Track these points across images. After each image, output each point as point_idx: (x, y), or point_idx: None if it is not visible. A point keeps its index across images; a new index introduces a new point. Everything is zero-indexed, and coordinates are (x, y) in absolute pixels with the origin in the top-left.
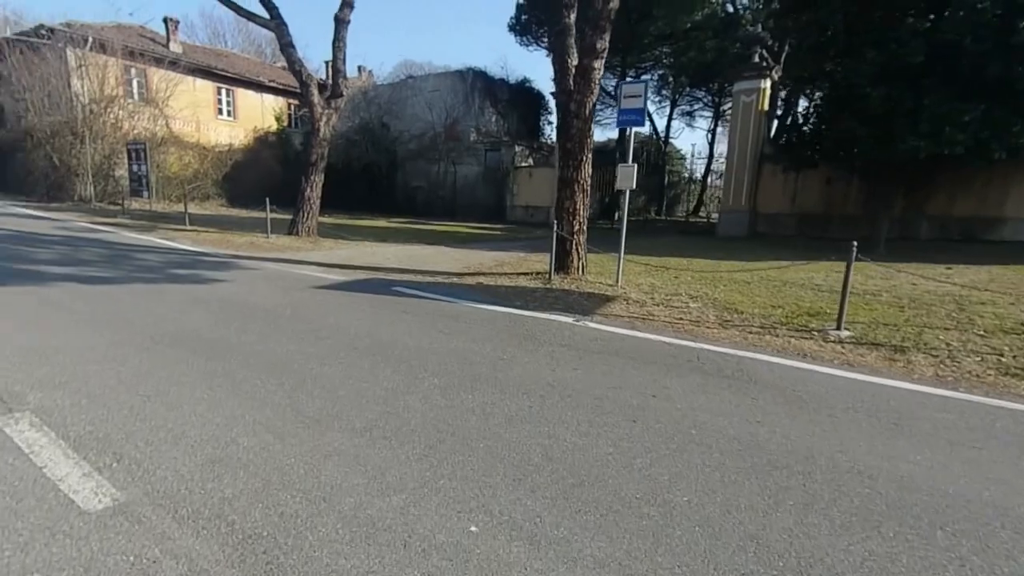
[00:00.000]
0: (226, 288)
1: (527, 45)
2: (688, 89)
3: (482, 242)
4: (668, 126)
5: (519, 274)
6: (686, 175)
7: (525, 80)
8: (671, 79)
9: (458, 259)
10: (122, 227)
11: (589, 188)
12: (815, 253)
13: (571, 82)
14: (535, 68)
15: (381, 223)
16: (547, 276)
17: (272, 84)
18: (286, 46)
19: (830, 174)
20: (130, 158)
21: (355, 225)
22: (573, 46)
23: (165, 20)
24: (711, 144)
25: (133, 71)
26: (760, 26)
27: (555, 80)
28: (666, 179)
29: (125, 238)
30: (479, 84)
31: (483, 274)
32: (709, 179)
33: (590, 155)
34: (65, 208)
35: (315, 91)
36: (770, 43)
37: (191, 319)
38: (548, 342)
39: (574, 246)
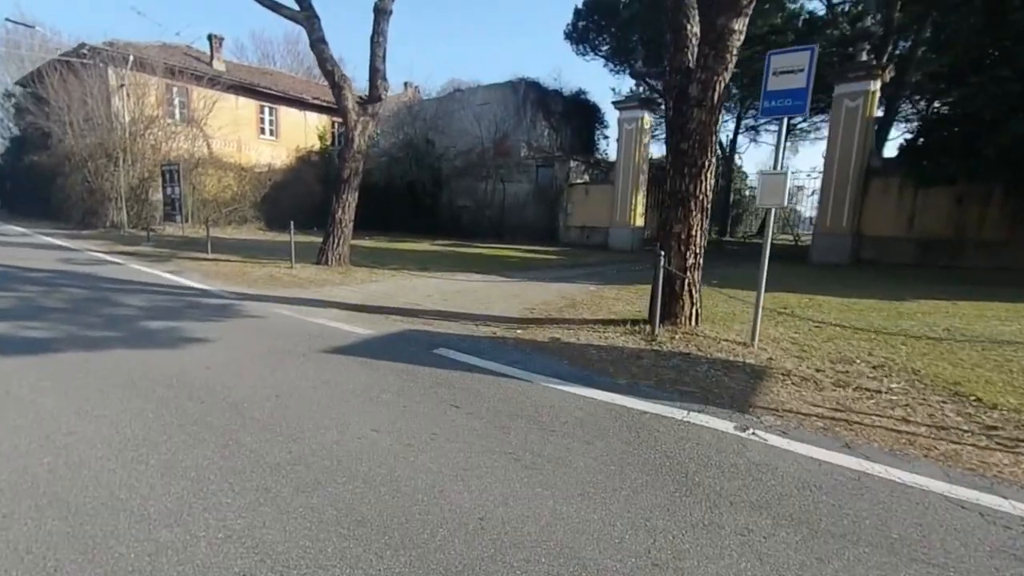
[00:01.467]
0: (200, 354)
1: (583, 54)
2: (752, 101)
3: (538, 269)
4: (734, 141)
5: (603, 322)
6: (748, 193)
7: (580, 92)
8: (734, 90)
9: (516, 295)
10: (137, 257)
11: (710, 206)
12: (968, 287)
13: (691, 56)
14: (591, 79)
15: (424, 246)
16: (645, 325)
17: (316, 101)
18: (317, 42)
19: (961, 191)
20: (164, 180)
21: (395, 249)
22: (694, 5)
23: (209, 37)
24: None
25: (175, 90)
26: (871, 18)
27: (667, 56)
28: (731, 197)
29: (127, 273)
30: (531, 96)
31: (554, 321)
32: None
33: (714, 160)
34: (94, 235)
35: (349, 95)
36: (879, 39)
37: (97, 431)
38: (717, 493)
39: (686, 287)
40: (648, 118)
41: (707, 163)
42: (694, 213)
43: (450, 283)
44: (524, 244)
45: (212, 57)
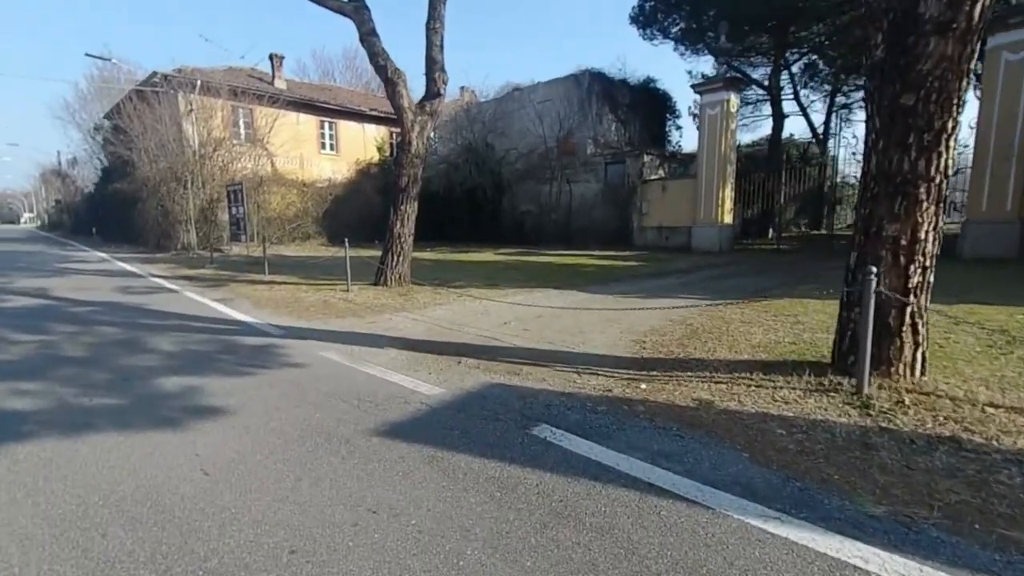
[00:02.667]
0: (206, 443)
1: (651, 38)
2: (845, 77)
3: (623, 281)
4: (827, 122)
5: (758, 365)
6: (840, 180)
7: (648, 80)
8: (823, 66)
9: (613, 320)
10: (195, 282)
11: (946, 195)
12: None
13: None
14: (658, 67)
15: (487, 256)
16: (829, 372)
17: (373, 113)
18: (367, 35)
19: None
20: (229, 201)
21: (457, 261)
22: None
23: (271, 57)
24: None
25: (240, 112)
26: None
27: None
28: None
29: (176, 303)
30: (596, 87)
31: (685, 366)
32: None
33: (959, 118)
34: (165, 259)
35: (404, 91)
36: None
37: None
38: None
39: (908, 318)
40: (735, 100)
41: (949, 126)
42: (925, 205)
43: (527, 306)
44: (595, 249)
45: (274, 76)
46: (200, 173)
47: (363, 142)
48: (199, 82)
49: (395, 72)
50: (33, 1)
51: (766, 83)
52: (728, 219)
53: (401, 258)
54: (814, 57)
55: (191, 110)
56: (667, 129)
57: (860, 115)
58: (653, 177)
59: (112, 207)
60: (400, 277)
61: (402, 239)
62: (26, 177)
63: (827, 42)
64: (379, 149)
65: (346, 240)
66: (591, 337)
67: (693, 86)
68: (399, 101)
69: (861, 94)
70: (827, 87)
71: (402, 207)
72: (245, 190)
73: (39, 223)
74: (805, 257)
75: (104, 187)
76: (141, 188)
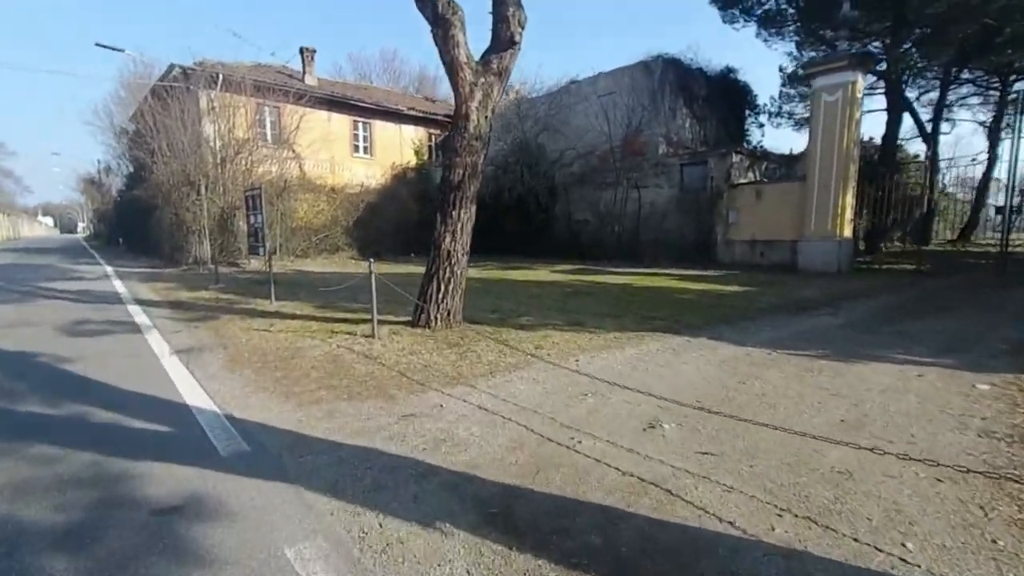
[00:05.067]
0: None
1: (734, 21)
2: (960, 68)
3: (753, 318)
4: (936, 121)
5: None
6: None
7: (728, 69)
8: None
9: (852, 421)
10: (181, 312)
11: None
12: None
13: None
14: (739, 54)
15: (543, 273)
16: None
17: (411, 112)
18: None
19: None
20: (247, 208)
21: (511, 281)
22: None
23: (301, 51)
24: (993, 144)
25: (267, 110)
26: None
27: None
28: (930, 194)
29: (116, 356)
30: (670, 77)
31: None
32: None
33: None
34: (172, 275)
35: (460, 36)
36: None
37: None
38: None
39: None
40: (861, 82)
41: None
42: None
43: (650, 367)
44: (669, 267)
45: (304, 72)
46: (220, 177)
47: (400, 144)
48: (221, 77)
49: (448, 6)
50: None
51: (880, 69)
52: (848, 232)
53: (451, 287)
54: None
55: (212, 108)
56: (746, 127)
57: (963, 112)
58: (743, 181)
59: (133, 216)
60: (449, 315)
61: (453, 260)
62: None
63: (949, 21)
64: (417, 152)
65: (370, 261)
66: (866, 505)
67: (802, 66)
68: (453, 53)
69: (967, 89)
70: (938, 79)
71: (453, 213)
72: (264, 195)
73: (87, 233)
74: (971, 282)
75: (127, 194)
76: (156, 195)
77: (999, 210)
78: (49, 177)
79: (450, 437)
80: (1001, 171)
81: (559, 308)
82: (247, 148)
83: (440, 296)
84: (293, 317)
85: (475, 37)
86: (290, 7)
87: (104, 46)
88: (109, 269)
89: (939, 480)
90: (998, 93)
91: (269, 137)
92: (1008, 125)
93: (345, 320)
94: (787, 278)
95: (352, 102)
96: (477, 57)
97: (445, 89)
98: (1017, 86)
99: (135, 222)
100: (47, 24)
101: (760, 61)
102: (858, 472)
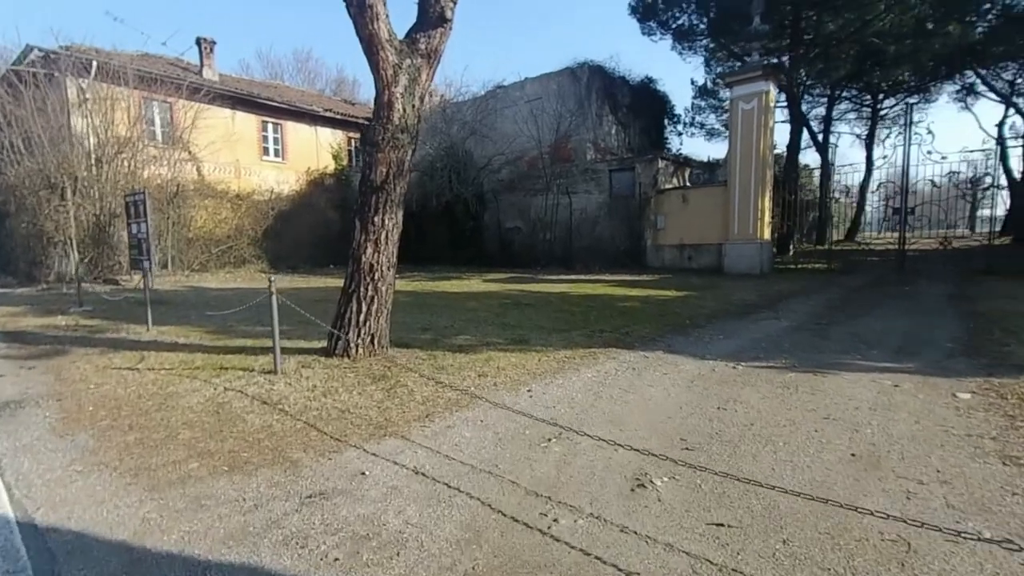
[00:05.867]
0: None
1: (651, 33)
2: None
3: (701, 325)
4: (826, 131)
5: None
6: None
7: (648, 79)
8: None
9: (858, 445)
10: (26, 344)
11: None
12: None
13: None
14: (656, 65)
15: (477, 284)
16: None
17: (328, 114)
18: None
19: None
20: (129, 215)
21: (444, 293)
22: None
23: (198, 41)
24: (869, 153)
25: (155, 106)
26: None
27: None
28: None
29: None
30: (596, 83)
31: None
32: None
33: None
34: (24, 295)
35: (381, 8)
36: None
37: None
38: None
39: None
40: (773, 92)
41: None
42: None
43: (618, 397)
44: (603, 273)
45: (202, 65)
46: (96, 180)
47: (316, 148)
48: (95, 64)
49: None
50: None
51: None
52: (767, 234)
53: (375, 307)
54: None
55: (84, 100)
56: (664, 135)
57: (840, 126)
58: (669, 186)
59: None
60: (373, 340)
61: (376, 275)
62: None
63: (841, 38)
64: (335, 157)
65: (270, 278)
66: None
67: (722, 75)
68: (372, 27)
69: (845, 105)
70: (827, 93)
71: (376, 219)
72: (151, 201)
73: None
74: (879, 280)
75: None
76: (8, 200)
77: (896, 211)
78: None
79: (376, 531)
80: (875, 177)
81: (499, 323)
82: (130, 148)
83: (361, 318)
84: (174, 348)
85: (398, 14)
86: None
87: None
88: None
89: (1014, 549)
90: (870, 109)
91: (159, 136)
92: (881, 137)
93: (242, 350)
94: (718, 281)
95: (260, 100)
96: (402, 36)
97: (366, 93)
98: (887, 103)
99: None
100: None
101: (673, 74)
102: (915, 540)
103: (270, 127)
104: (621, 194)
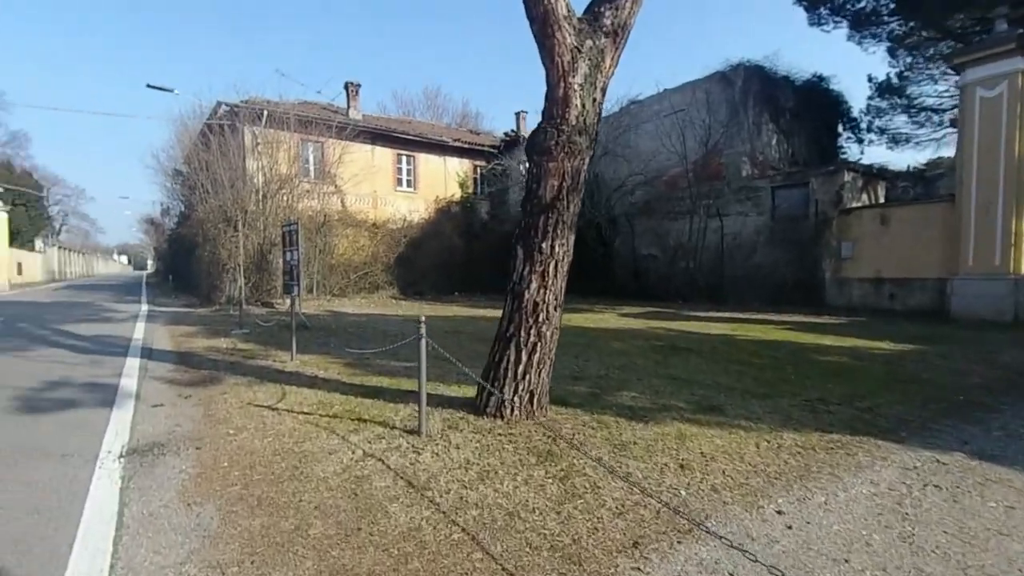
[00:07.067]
0: None
1: (822, 23)
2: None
3: (1000, 409)
4: None
5: None
6: None
7: (818, 78)
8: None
9: None
10: (181, 371)
11: None
12: None
13: None
14: (825, 61)
15: (611, 319)
16: None
17: (456, 143)
18: None
19: None
20: (284, 243)
21: (580, 329)
22: None
23: (346, 85)
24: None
25: (310, 146)
26: None
27: None
28: None
29: (81, 453)
30: (753, 87)
31: None
32: None
33: None
34: (201, 316)
35: None
36: None
37: None
38: None
39: None
40: None
41: None
42: None
43: (946, 537)
44: (766, 310)
45: (349, 106)
46: (261, 213)
47: (444, 177)
48: (266, 113)
49: None
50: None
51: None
52: None
53: (536, 358)
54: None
55: (256, 144)
56: (837, 144)
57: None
58: (858, 204)
59: (181, 254)
60: (533, 399)
61: (540, 316)
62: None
63: None
64: (461, 185)
65: (421, 320)
66: None
67: (953, 54)
68: (548, 2)
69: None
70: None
71: (544, 245)
72: (302, 230)
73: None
74: None
75: (176, 233)
76: (198, 232)
77: None
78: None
79: None
80: None
81: (664, 375)
82: (288, 183)
83: (520, 371)
84: (313, 383)
85: None
86: (338, 46)
87: (155, 87)
88: (145, 308)
89: None
90: None
91: (312, 172)
92: None
93: (379, 392)
94: (947, 329)
95: (396, 134)
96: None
97: (487, 124)
98: None
99: (182, 260)
100: (113, 66)
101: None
102: None
103: (403, 159)
104: (787, 215)
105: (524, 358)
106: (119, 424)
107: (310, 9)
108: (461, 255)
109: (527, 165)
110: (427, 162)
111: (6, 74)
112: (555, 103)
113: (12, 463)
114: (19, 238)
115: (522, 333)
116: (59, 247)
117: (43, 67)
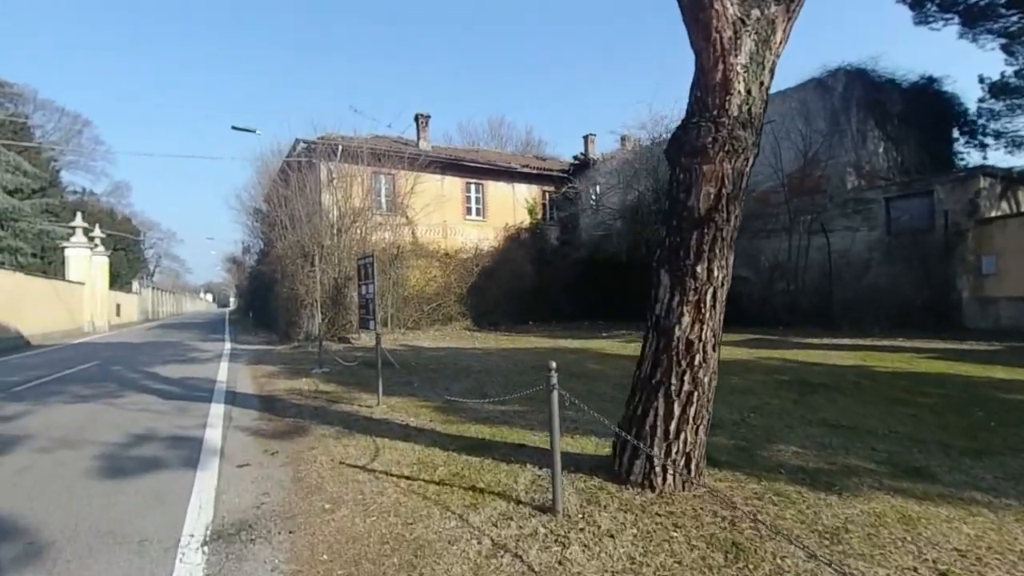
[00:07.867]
0: None
1: (929, 20)
2: None
3: None
4: None
5: None
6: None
7: (928, 79)
8: None
9: None
10: (276, 414)
11: None
12: None
13: None
14: (933, 60)
15: (731, 350)
16: None
17: (524, 169)
18: None
19: None
20: (359, 277)
21: None
22: None
23: (416, 117)
24: None
25: (382, 178)
26: None
27: None
28: None
29: (159, 539)
30: (856, 92)
31: None
32: None
33: None
34: (281, 354)
35: None
36: None
37: None
38: None
39: None
40: None
41: None
42: None
43: None
44: (892, 336)
45: (419, 138)
46: (336, 247)
47: (512, 204)
48: (340, 148)
49: None
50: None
51: None
52: None
53: (693, 410)
54: None
55: (332, 179)
56: (951, 149)
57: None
58: (997, 214)
59: (260, 290)
60: (689, 462)
61: (696, 357)
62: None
63: None
64: (530, 211)
65: (552, 368)
66: None
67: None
68: None
69: None
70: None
71: (699, 269)
72: (377, 263)
73: (234, 307)
74: None
75: (256, 270)
76: (276, 268)
77: None
78: (207, 258)
79: None
80: None
81: (815, 419)
82: (362, 217)
83: (672, 427)
84: (406, 435)
85: None
86: (407, 83)
87: (239, 128)
88: (228, 347)
89: None
90: None
91: (383, 204)
92: None
93: (483, 446)
94: None
95: (464, 163)
96: None
97: (550, 151)
98: None
99: (261, 296)
100: (202, 113)
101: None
102: None
103: (472, 187)
104: (907, 228)
105: (677, 411)
106: (203, 494)
107: (386, 46)
108: (532, 282)
109: (671, 171)
110: (496, 189)
111: (110, 126)
112: (710, 91)
113: (86, 552)
114: (118, 280)
115: (673, 380)
116: (152, 288)
117: (138, 116)
